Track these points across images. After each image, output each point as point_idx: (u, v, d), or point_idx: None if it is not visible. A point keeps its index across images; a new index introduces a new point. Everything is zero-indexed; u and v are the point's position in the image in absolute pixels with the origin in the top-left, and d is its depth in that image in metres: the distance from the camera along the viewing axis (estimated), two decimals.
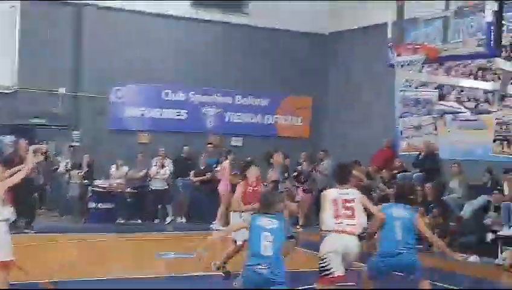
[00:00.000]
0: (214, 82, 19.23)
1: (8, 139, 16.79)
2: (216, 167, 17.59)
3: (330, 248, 7.22)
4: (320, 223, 7.56)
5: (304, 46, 19.96)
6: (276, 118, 20.23)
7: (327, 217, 7.32)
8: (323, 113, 20.33)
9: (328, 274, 7.15)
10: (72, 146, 17.66)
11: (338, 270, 7.13)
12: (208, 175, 17.48)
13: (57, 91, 17.56)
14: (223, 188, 16.03)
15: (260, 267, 6.32)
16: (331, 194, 7.50)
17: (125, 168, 17.15)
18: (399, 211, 7.63)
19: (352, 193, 7.55)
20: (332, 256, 7.16)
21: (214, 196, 16.76)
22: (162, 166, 17.27)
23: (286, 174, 17.24)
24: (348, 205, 7.35)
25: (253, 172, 9.60)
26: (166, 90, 18.83)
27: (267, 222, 6.50)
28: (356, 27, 18.89)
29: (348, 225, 7.27)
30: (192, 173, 17.57)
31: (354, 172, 14.99)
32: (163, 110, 18.79)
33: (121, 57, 17.88)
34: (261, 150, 17.56)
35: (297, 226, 16.51)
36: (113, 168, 17.09)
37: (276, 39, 19.66)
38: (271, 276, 6.30)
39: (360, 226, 7.41)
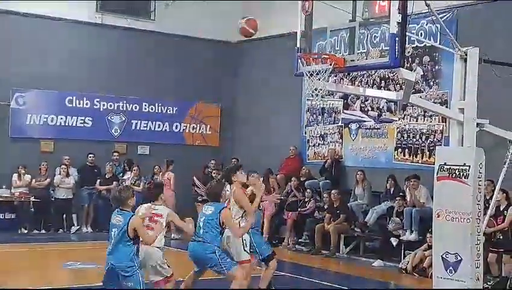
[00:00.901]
0: (120, 89, 18.87)
1: None
2: (123, 176, 17.34)
3: None
4: None
5: (211, 53, 19.98)
6: (185, 126, 20.13)
7: None
8: (233, 122, 20.43)
9: None
10: None
11: None
12: (115, 184, 17.15)
13: None
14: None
15: None
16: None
17: (28, 177, 16.56)
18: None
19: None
20: None
21: None
22: (67, 175, 16.82)
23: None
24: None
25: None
26: (70, 97, 18.30)
27: None
28: (263, 36, 19.09)
29: None
30: (98, 181, 17.20)
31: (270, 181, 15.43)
32: (67, 117, 18.26)
33: (22, 62, 17.24)
34: (169, 159, 17.77)
35: None
36: (15, 177, 16.47)
37: (183, 46, 19.55)
38: None
39: None
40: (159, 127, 19.68)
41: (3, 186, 16.54)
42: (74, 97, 18.33)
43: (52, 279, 10.30)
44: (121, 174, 17.42)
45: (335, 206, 14.71)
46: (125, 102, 19.11)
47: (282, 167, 17.32)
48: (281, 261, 13.31)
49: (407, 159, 14.88)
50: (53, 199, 16.79)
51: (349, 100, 16.46)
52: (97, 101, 18.70)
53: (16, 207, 16.19)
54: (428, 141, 14.37)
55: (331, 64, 8.63)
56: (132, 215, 6.87)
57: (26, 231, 15.86)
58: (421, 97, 13.58)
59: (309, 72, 8.81)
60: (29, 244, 14.26)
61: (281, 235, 15.90)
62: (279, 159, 17.64)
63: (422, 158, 14.49)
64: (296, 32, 9.26)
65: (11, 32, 17.24)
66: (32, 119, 17.71)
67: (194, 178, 17.43)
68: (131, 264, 6.75)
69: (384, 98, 14.59)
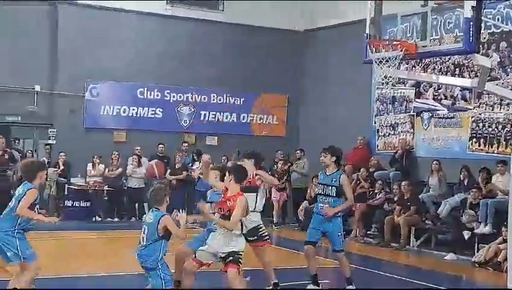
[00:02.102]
0: (190, 80, 19.11)
1: None
2: (192, 166, 17.51)
3: None
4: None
5: (279, 43, 19.91)
6: (252, 116, 20.16)
7: None
8: (299, 112, 20.32)
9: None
10: (48, 144, 17.43)
11: None
12: (184, 174, 17.36)
13: (32, 89, 17.33)
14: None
15: None
16: None
17: (101, 167, 16.99)
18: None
19: None
20: None
21: (190, 195, 16.75)
22: (139, 164, 17.14)
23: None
24: None
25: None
26: (141, 89, 18.67)
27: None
28: (331, 24, 18.91)
29: None
30: (168, 171, 17.46)
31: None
32: (139, 108, 18.64)
33: (96, 54, 17.73)
34: (236, 149, 17.84)
35: (272, 225, 16.55)
36: (90, 166, 16.92)
37: (251, 36, 19.57)
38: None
39: None
40: (226, 118, 19.81)
41: (78, 176, 17.04)
42: (145, 89, 18.69)
43: (124, 266, 10.49)
44: (190, 164, 17.61)
45: (405, 197, 14.38)
46: (194, 93, 19.34)
47: (350, 157, 17.08)
48: (349, 254, 13.17)
49: (482, 149, 14.39)
50: (125, 188, 17.15)
51: (421, 88, 16.05)
52: (167, 93, 19.00)
53: (90, 196, 16.63)
54: (505, 131, 13.85)
55: (401, 51, 8.41)
56: (164, 215, 6.86)
57: (100, 219, 16.26)
58: (497, 84, 13.07)
59: (378, 59, 8.62)
60: (103, 231, 14.61)
61: (349, 227, 15.69)
62: (346, 149, 17.38)
63: (498, 148, 13.98)
64: (365, 19, 9.07)
65: (85, 26, 17.73)
66: (106, 110, 18.20)
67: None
68: (157, 262, 6.81)
69: (459, 86, 14.11)
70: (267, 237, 8.61)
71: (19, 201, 7.14)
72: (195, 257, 7.31)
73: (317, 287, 8.90)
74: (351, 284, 8.86)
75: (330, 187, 8.74)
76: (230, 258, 7.18)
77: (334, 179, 8.77)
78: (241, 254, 7.26)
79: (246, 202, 7.23)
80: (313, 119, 19.74)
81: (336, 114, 18.74)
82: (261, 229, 8.43)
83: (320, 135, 18.89)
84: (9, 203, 7.23)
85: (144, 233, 6.87)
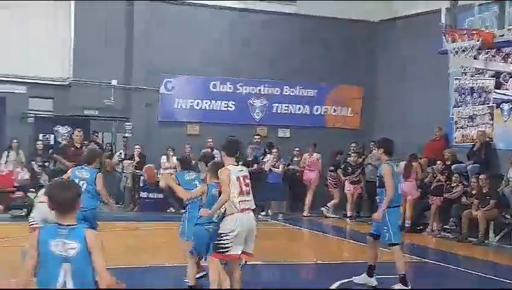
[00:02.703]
0: (262, 73, 19.14)
1: (64, 130, 17.11)
2: (263, 159, 17.54)
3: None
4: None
5: (353, 34, 19.66)
6: (325, 108, 20.01)
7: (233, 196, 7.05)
8: (374, 104, 20.01)
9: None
10: (124, 137, 17.88)
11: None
12: (255, 166, 17.40)
13: (109, 83, 17.83)
14: (313, 177, 16.92)
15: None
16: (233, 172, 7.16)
17: (175, 159, 17.23)
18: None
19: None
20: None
21: (261, 187, 16.79)
22: (212, 157, 17.27)
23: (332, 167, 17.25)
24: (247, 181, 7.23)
25: None
26: (214, 82, 18.86)
27: None
28: (406, 14, 18.50)
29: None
30: (239, 163, 17.49)
31: (413, 165, 14.94)
32: (212, 101, 18.84)
33: (171, 49, 18.01)
34: (309, 141, 17.79)
35: (346, 218, 16.41)
36: (164, 158, 17.23)
37: (324, 28, 19.39)
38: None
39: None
40: (299, 110, 19.75)
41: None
42: (218, 82, 18.86)
43: None
44: (261, 156, 17.63)
45: (484, 191, 13.93)
46: (266, 86, 19.37)
47: (426, 149, 16.68)
48: (425, 248, 12.97)
49: None
50: None
51: (501, 79, 15.47)
52: (240, 86, 19.11)
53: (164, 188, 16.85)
54: None
55: (478, 41, 8.13)
56: None
57: (173, 211, 16.50)
58: None
59: (454, 49, 8.36)
60: (176, 223, 14.75)
61: (425, 221, 15.36)
62: (423, 141, 17.01)
63: None
64: (441, 9, 8.82)
65: (160, 20, 18.03)
66: (180, 103, 18.49)
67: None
68: None
69: None
70: None
71: (92, 183, 8.37)
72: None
73: (369, 279, 8.70)
74: (402, 284, 8.42)
75: (378, 179, 8.77)
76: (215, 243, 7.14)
77: (379, 171, 8.78)
78: (222, 237, 7.00)
79: (226, 172, 7.02)
80: (388, 110, 19.40)
81: (412, 105, 18.35)
82: None
83: (396, 127, 18.56)
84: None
85: None
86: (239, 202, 6.99)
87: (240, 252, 7.07)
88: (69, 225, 4.13)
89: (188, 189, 8.17)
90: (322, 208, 16.94)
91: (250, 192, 7.15)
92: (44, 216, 7.46)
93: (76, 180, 7.90)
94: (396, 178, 8.61)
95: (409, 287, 8.41)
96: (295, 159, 17.68)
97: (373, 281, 8.66)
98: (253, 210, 7.22)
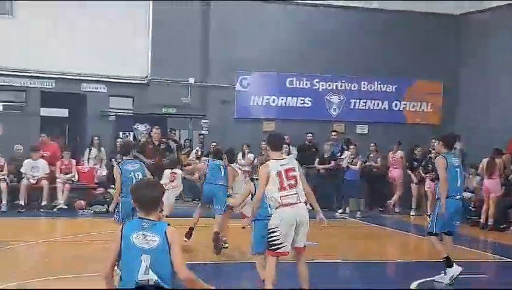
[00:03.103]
0: (339, 69, 18.94)
1: (142, 127, 17.50)
2: (340, 155, 17.35)
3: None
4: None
5: (432, 28, 19.16)
6: (404, 104, 19.60)
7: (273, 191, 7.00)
8: (455, 99, 19.42)
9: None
10: (201, 134, 18.11)
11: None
12: (332, 163, 17.25)
13: (186, 81, 18.09)
14: (397, 175, 16.90)
15: None
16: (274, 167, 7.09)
17: (251, 156, 17.35)
18: None
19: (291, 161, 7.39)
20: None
21: (338, 184, 16.67)
22: (288, 154, 17.25)
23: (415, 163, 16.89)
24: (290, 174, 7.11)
25: None
26: (290, 78, 18.82)
27: None
28: (487, 7, 17.86)
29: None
30: (316, 160, 17.43)
31: (496, 161, 14.44)
32: (288, 98, 18.81)
33: (246, 46, 18.10)
34: (387, 138, 17.48)
35: (425, 215, 16.03)
36: (240, 155, 17.32)
37: (403, 22, 18.99)
38: None
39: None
40: (377, 106, 19.42)
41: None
42: (294, 78, 18.81)
43: None
44: (339, 153, 17.46)
45: None
46: (343, 81, 19.16)
47: (511, 145, 16.06)
48: (509, 247, 12.46)
49: None
50: None
51: None
52: (316, 82, 19.00)
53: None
54: None
55: None
56: None
57: None
58: None
59: None
60: None
61: (509, 219, 14.78)
62: (507, 137, 16.38)
63: None
64: None
65: (236, 18, 18.15)
66: (255, 100, 18.55)
67: None
68: None
69: None
70: None
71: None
72: None
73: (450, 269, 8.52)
74: (446, 273, 8.45)
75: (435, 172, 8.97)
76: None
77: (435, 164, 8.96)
78: (270, 233, 6.99)
79: (264, 169, 7.07)
80: (470, 105, 18.81)
81: (496, 99, 17.74)
82: None
83: (479, 122, 18.02)
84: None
85: None
86: (280, 197, 6.98)
87: (288, 249, 7.03)
88: (152, 220, 4.44)
89: None
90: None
91: (297, 184, 7.08)
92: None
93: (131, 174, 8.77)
94: (453, 170, 8.53)
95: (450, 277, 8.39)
96: (371, 155, 17.40)
97: (456, 269, 8.45)
98: (305, 202, 7.21)
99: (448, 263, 8.48)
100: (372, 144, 17.45)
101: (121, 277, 4.42)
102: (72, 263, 9.22)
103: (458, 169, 8.66)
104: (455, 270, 8.43)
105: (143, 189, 4.56)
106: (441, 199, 8.42)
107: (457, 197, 8.62)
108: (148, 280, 4.31)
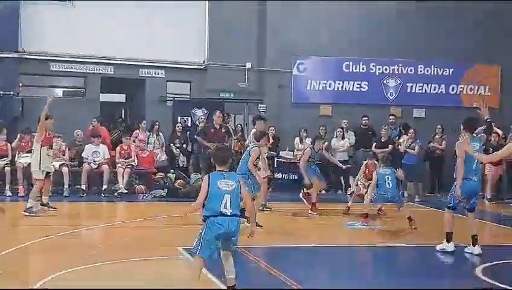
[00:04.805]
0: (396, 52, 18.73)
1: (200, 112, 17.69)
2: (398, 139, 17.19)
3: None
4: None
5: (490, 9, 18.69)
6: (461, 87, 19.27)
7: None
8: None
9: None
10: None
11: None
12: (390, 147, 17.09)
13: (243, 66, 18.18)
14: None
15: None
16: None
17: (308, 140, 17.31)
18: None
19: None
20: None
21: (396, 168, 16.48)
22: (343, 137, 17.25)
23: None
24: None
25: None
26: (347, 63, 18.72)
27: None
28: None
29: None
30: (374, 144, 17.29)
31: None
32: (344, 82, 18.71)
33: (302, 30, 18.08)
34: (445, 121, 17.19)
35: (484, 200, 15.76)
36: (297, 140, 17.36)
37: (460, 3, 18.56)
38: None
39: None
40: (434, 90, 19.18)
41: (287, 149, 17.55)
42: (351, 62, 18.71)
43: (331, 238, 10.71)
44: (397, 137, 17.31)
45: None
46: (400, 65, 18.97)
47: None
48: None
49: None
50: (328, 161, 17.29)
51: None
52: (373, 66, 18.85)
53: (298, 168, 16.96)
54: None
55: None
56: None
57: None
58: None
59: None
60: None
61: None
62: None
63: None
64: None
65: (293, 2, 18.06)
66: (312, 85, 18.53)
67: None
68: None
69: None
70: None
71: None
72: None
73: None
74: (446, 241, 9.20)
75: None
76: None
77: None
78: None
79: None
80: None
81: None
82: None
83: None
84: None
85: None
86: None
87: None
88: (227, 171, 6.54)
89: None
90: None
91: None
92: None
93: None
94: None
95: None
96: (437, 137, 17.18)
97: (451, 246, 9.21)
98: None
99: (448, 236, 9.26)
100: (439, 126, 17.18)
101: (206, 207, 6.34)
102: (136, 246, 9.42)
103: (477, 153, 8.88)
104: (450, 246, 9.20)
105: (220, 152, 6.70)
106: (458, 179, 8.98)
107: (474, 178, 9.07)
108: (226, 211, 6.29)
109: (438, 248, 9.31)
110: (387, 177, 11.63)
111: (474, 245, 9.14)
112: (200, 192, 6.42)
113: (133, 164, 16.01)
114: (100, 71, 17.77)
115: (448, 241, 9.25)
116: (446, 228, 9.31)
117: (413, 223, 11.35)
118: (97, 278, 7.28)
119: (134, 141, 16.48)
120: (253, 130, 12.93)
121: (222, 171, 6.48)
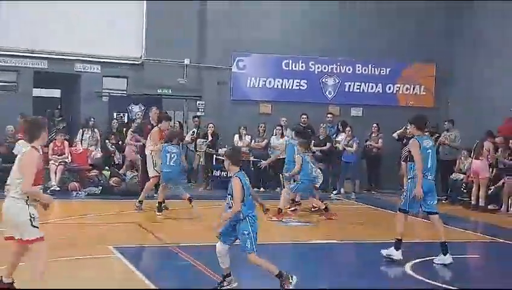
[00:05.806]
0: (334, 52, 18.86)
1: (137, 108, 17.38)
2: (336, 137, 17.32)
3: None
4: None
5: (427, 11, 19.06)
6: (398, 87, 19.60)
7: None
8: (449, 82, 19.39)
9: None
10: (196, 116, 17.97)
11: None
12: (328, 145, 17.21)
13: (182, 62, 17.95)
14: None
15: None
16: None
17: (248, 138, 17.27)
18: None
19: None
20: None
21: (334, 166, 16.69)
22: (282, 136, 17.23)
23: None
24: None
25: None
26: (286, 61, 18.74)
27: None
28: None
29: None
30: (312, 142, 17.34)
31: (484, 143, 14.47)
32: (284, 80, 18.74)
33: (242, 27, 17.97)
34: (381, 120, 17.44)
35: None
36: (237, 137, 17.25)
37: (397, 5, 18.76)
38: None
39: None
40: (372, 89, 19.42)
41: (226, 146, 17.35)
42: (290, 60, 18.74)
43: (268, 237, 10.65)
44: (335, 135, 17.45)
45: None
46: (338, 64, 19.12)
47: (502, 128, 16.02)
48: (499, 228, 12.48)
49: None
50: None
51: None
52: (312, 64, 18.93)
53: None
54: None
55: None
56: None
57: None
58: None
59: None
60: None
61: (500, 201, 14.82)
62: (500, 120, 16.38)
63: None
64: None
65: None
66: (252, 82, 18.46)
67: None
68: None
69: None
70: None
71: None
72: None
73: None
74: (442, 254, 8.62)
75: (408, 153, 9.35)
76: None
77: (408, 146, 9.29)
78: None
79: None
80: (463, 88, 18.80)
81: (490, 82, 17.70)
82: None
83: (472, 104, 18.02)
84: None
85: None
86: None
87: None
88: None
89: None
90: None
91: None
92: None
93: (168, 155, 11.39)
94: (425, 152, 8.68)
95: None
96: (373, 135, 17.41)
97: (398, 254, 8.70)
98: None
99: (397, 245, 8.72)
100: (375, 125, 17.41)
101: (246, 205, 6.63)
102: (68, 245, 9.11)
103: (430, 151, 8.85)
104: (397, 254, 8.69)
105: (236, 152, 7.19)
106: (418, 179, 8.57)
107: (429, 177, 8.78)
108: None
109: (385, 253, 8.79)
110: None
111: (444, 254, 8.63)
112: (236, 193, 6.60)
113: (66, 160, 15.60)
114: (33, 65, 17.21)
115: (396, 249, 8.70)
116: (397, 231, 8.80)
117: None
118: (28, 278, 6.96)
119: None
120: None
121: (240, 170, 6.79)
